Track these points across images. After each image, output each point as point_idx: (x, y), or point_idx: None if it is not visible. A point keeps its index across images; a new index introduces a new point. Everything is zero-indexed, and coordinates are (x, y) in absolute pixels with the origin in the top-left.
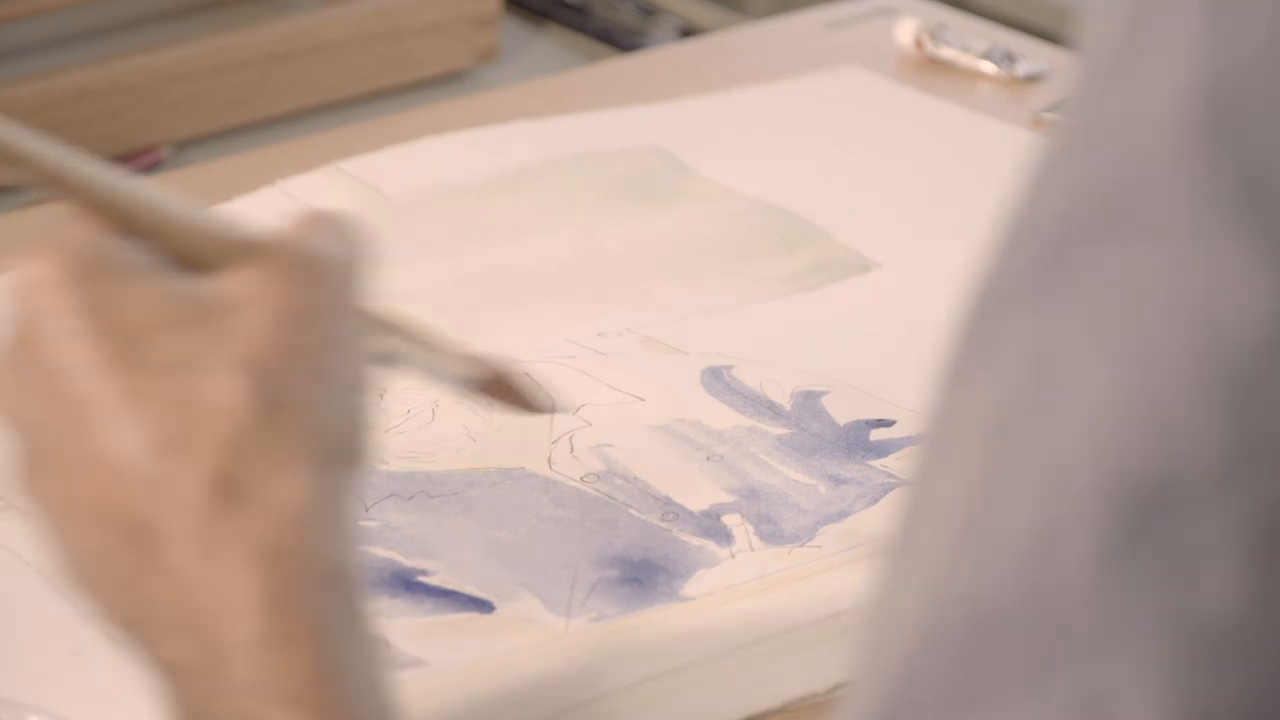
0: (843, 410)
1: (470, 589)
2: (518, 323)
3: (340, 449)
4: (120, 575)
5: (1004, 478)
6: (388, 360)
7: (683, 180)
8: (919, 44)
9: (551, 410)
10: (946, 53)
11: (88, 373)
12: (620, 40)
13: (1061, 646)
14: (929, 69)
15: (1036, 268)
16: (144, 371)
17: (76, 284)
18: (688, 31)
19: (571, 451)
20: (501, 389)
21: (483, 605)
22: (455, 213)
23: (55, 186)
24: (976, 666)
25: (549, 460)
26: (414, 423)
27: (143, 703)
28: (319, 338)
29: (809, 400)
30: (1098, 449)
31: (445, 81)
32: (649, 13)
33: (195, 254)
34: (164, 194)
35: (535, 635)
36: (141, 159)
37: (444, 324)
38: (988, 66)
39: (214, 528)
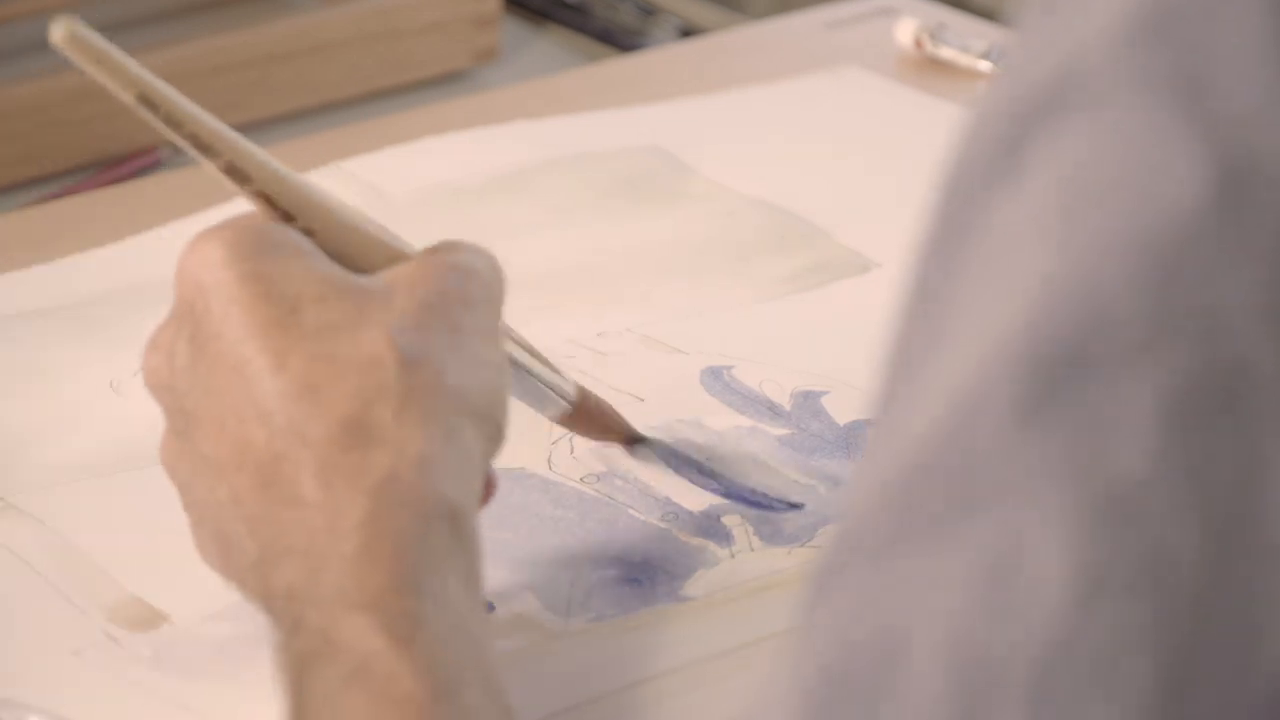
0: (843, 410)
1: None
2: (517, 322)
3: (474, 414)
4: (251, 515)
5: (947, 338)
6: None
7: (683, 180)
8: (919, 44)
9: (635, 440)
10: (946, 53)
11: (244, 335)
12: (620, 40)
13: (978, 497)
14: (929, 69)
15: (998, 149)
16: (296, 333)
17: (240, 259)
18: (688, 31)
19: (571, 452)
20: (587, 416)
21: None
22: (455, 213)
23: (234, 176)
24: (903, 513)
25: (549, 460)
26: None
27: (142, 702)
28: (461, 320)
29: (809, 400)
30: (1026, 310)
31: (445, 81)
32: (649, 13)
33: (354, 254)
34: (333, 197)
35: (535, 635)
36: (141, 159)
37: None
38: (987, 66)
39: (338, 461)
